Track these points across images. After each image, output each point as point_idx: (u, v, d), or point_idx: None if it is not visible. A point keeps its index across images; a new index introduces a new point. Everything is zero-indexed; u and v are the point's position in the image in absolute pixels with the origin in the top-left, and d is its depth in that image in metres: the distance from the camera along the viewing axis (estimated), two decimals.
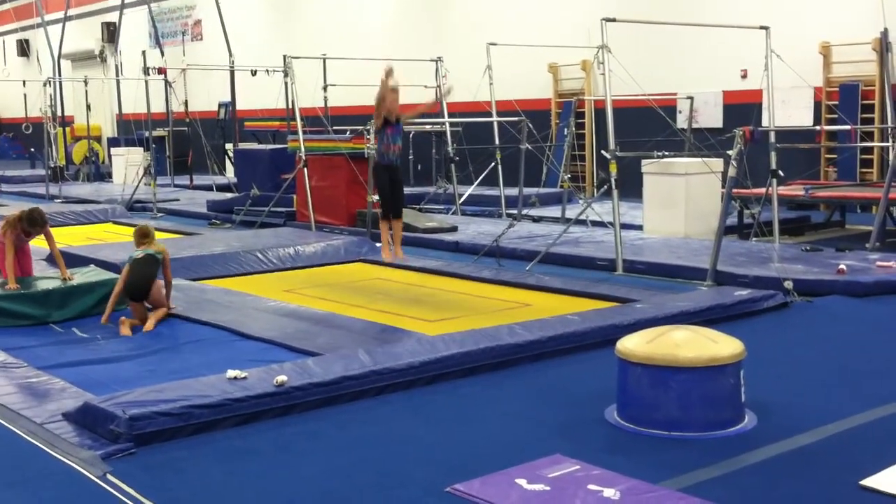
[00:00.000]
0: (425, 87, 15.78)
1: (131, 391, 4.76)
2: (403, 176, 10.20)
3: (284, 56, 13.05)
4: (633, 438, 4.45)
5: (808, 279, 7.80)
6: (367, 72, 14.51)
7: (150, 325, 6.74)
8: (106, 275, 7.61)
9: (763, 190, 10.25)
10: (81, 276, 7.51)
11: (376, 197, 10.42)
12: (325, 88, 17.45)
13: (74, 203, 16.23)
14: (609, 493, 3.72)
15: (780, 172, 10.23)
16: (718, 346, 4.58)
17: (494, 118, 13.95)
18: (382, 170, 8.81)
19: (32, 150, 26.84)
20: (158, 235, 11.82)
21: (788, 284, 7.47)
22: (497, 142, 14.02)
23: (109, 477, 3.99)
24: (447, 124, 14.61)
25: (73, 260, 8.67)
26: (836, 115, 12.82)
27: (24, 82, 25.66)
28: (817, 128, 12.69)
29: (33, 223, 7.48)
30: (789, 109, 13.50)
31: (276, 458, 4.26)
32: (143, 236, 7.20)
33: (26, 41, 33.37)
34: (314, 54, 16.58)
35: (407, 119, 9.42)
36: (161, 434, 4.42)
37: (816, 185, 12.06)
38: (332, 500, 3.77)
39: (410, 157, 18.09)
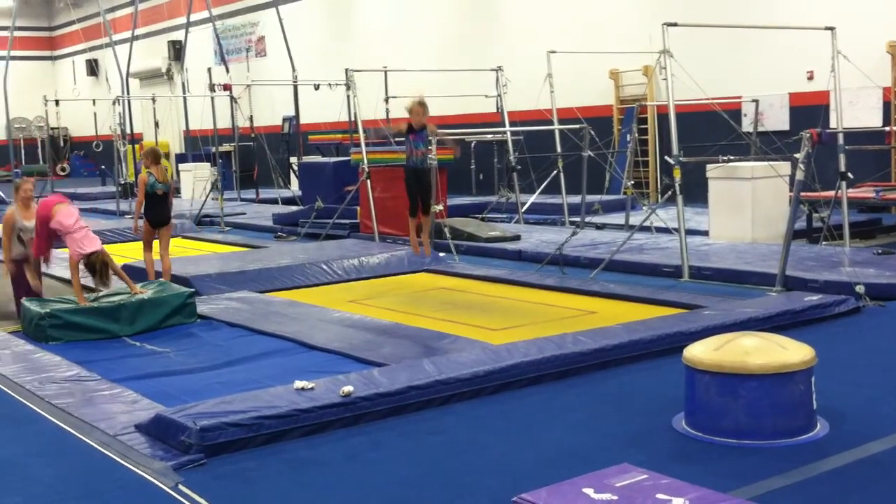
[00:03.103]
0: (486, 96, 15.83)
1: (201, 402, 4.84)
2: (466, 185, 10.44)
3: (346, 69, 13.18)
4: (702, 447, 4.39)
5: (881, 283, 7.63)
6: (427, 83, 14.59)
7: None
8: (176, 289, 7.75)
9: (832, 193, 10.07)
10: (152, 291, 7.66)
11: (439, 207, 10.51)
12: (386, 100, 17.56)
13: (143, 219, 16.51)
14: (678, 502, 3.67)
15: (850, 174, 10.03)
16: (788, 352, 4.50)
17: (556, 126, 13.90)
18: (409, 172, 9.49)
19: (103, 167, 27.46)
20: (226, 249, 12.14)
21: (860, 289, 7.32)
22: (559, 149, 13.98)
23: (181, 487, 4.06)
24: (508, 133, 14.61)
25: (142, 275, 8.84)
26: None
27: (93, 101, 26.30)
28: (886, 128, 12.40)
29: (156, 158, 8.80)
30: (857, 110, 13.23)
31: (344, 468, 4.29)
32: (158, 158, 8.97)
33: (95, 61, 34.18)
34: (375, 67, 16.72)
35: (434, 132, 9.94)
36: (231, 444, 4.49)
37: (887, 186, 11.79)
38: None
39: (472, 166, 18.14)
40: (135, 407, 5.14)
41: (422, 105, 9.43)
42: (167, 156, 26.93)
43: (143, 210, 9.15)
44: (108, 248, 11.33)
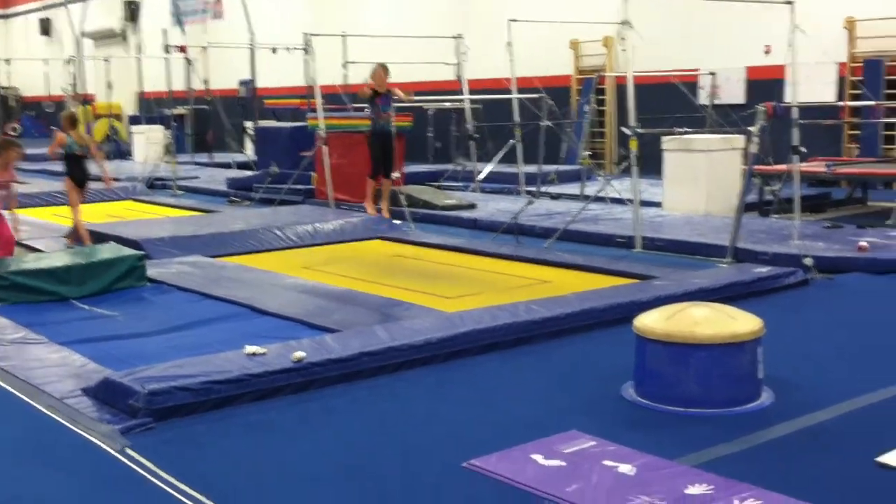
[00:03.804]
0: (445, 63, 15.74)
1: (150, 367, 4.79)
2: (422, 153, 10.51)
3: (304, 34, 13.03)
4: (651, 415, 4.44)
5: (829, 256, 7.75)
6: (386, 49, 14.49)
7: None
8: (125, 251, 7.65)
9: (784, 166, 10.17)
10: (102, 252, 7.55)
11: (396, 174, 10.49)
12: (344, 66, 17.42)
13: (95, 181, 16.26)
14: (625, 468, 3.72)
15: (803, 149, 10.11)
16: (737, 323, 4.56)
17: (514, 95, 13.88)
18: (375, 136, 9.38)
19: (54, 128, 26.97)
20: (179, 213, 12.08)
21: (809, 261, 7.42)
22: (517, 119, 13.97)
23: (129, 451, 4.02)
24: (466, 101, 14.56)
25: (93, 237, 8.72)
26: (860, 91, 12.68)
27: (46, 61, 25.78)
28: (841, 104, 12.56)
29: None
30: (813, 85, 13.34)
31: (296, 433, 4.28)
32: (75, 122, 9.56)
33: (48, 20, 33.46)
34: (334, 32, 16.55)
35: (398, 95, 9.89)
36: (180, 409, 4.45)
37: (838, 161, 11.95)
38: (352, 475, 3.79)
39: (430, 134, 18.06)
40: (82, 370, 5.07)
41: (385, 69, 9.43)
42: (118, 117, 26.58)
43: (66, 169, 9.71)
44: (57, 210, 11.23)
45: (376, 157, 9.60)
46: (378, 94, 9.31)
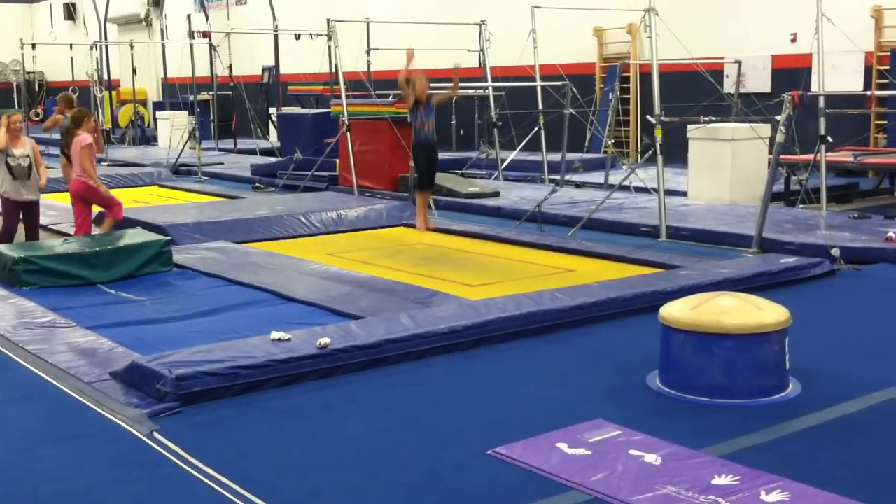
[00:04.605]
0: (469, 51, 15.70)
1: (178, 351, 4.83)
2: (446, 141, 10.39)
3: (328, 20, 13.03)
4: (676, 404, 4.43)
5: (856, 247, 7.69)
6: (410, 35, 14.44)
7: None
8: (151, 236, 7.70)
9: (811, 156, 10.09)
10: (128, 237, 7.61)
11: None
12: (368, 52, 17.41)
13: (121, 166, 16.39)
14: (650, 458, 3.72)
15: (829, 138, 10.05)
16: (763, 313, 4.54)
17: (538, 83, 13.83)
18: (420, 146, 9.24)
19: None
20: (203, 199, 12.18)
21: (835, 252, 7.37)
22: (540, 106, 13.92)
23: (156, 435, 4.06)
24: (490, 89, 14.52)
25: (120, 223, 8.77)
26: (886, 81, 12.55)
27: (70, 46, 25.86)
28: (867, 93, 12.42)
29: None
30: (839, 74, 13.22)
31: (320, 419, 4.31)
32: (71, 103, 10.38)
33: (73, 5, 33.58)
34: (358, 18, 16.53)
35: (435, 100, 9.76)
36: (207, 393, 4.49)
37: (865, 151, 11.84)
38: (376, 460, 3.81)
39: (453, 122, 18.02)
40: (110, 355, 5.12)
41: (426, 78, 9.39)
42: (144, 103, 26.69)
43: (61, 147, 10.33)
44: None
45: (421, 170, 9.51)
46: (420, 103, 9.24)
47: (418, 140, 9.38)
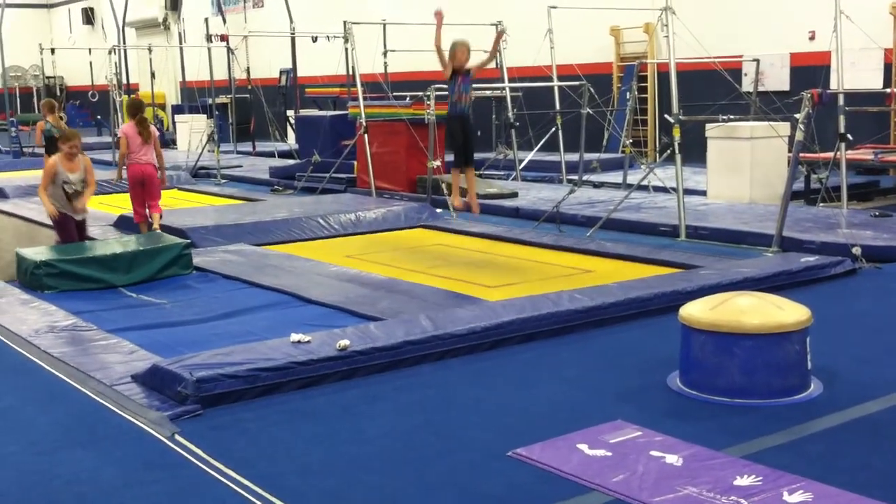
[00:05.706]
0: (485, 51, 15.67)
1: (198, 354, 4.85)
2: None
3: (344, 22, 13.05)
4: (696, 405, 4.42)
5: (877, 245, 7.64)
6: (426, 37, 14.43)
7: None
8: (171, 239, 7.74)
9: (831, 154, 10.04)
10: (148, 240, 7.65)
11: (437, 162, 10.32)
12: (384, 54, 17.43)
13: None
14: (671, 459, 3.71)
15: (849, 136, 9.99)
16: (784, 312, 4.51)
17: (555, 83, 13.81)
18: (454, 119, 8.68)
19: (99, 117, 27.28)
20: (222, 201, 12.21)
21: (856, 250, 7.32)
22: (558, 107, 13.89)
23: (178, 437, 4.08)
24: (507, 89, 14.51)
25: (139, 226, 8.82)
26: None
27: (89, 50, 26.05)
28: (887, 90, 12.34)
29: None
30: (858, 72, 13.14)
31: (340, 420, 4.31)
32: (53, 108, 11.62)
33: (91, 9, 33.81)
34: (374, 20, 16.56)
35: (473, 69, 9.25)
36: (227, 396, 4.50)
37: (886, 149, 11.75)
38: (395, 462, 3.82)
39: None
40: (131, 357, 5.14)
41: (467, 47, 8.71)
42: (163, 107, 26.82)
43: (45, 150, 11.37)
44: (102, 199, 11.37)
45: (456, 144, 8.82)
46: (459, 73, 8.68)
47: (453, 112, 8.74)
